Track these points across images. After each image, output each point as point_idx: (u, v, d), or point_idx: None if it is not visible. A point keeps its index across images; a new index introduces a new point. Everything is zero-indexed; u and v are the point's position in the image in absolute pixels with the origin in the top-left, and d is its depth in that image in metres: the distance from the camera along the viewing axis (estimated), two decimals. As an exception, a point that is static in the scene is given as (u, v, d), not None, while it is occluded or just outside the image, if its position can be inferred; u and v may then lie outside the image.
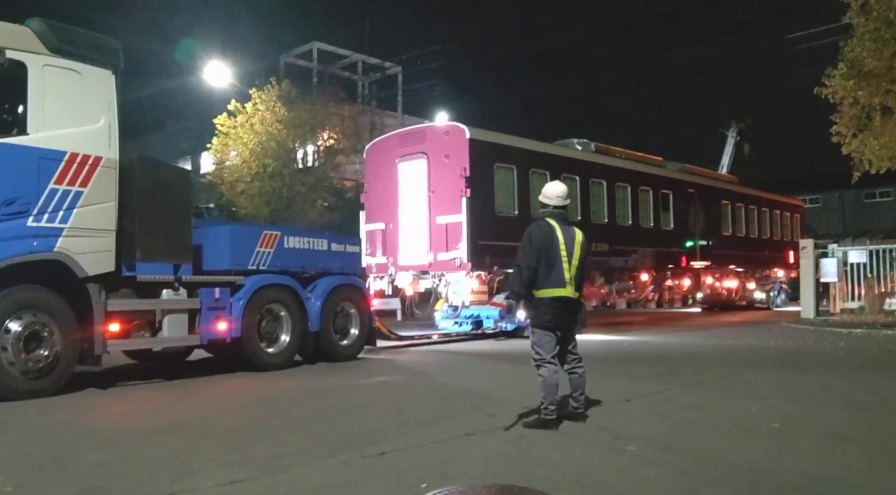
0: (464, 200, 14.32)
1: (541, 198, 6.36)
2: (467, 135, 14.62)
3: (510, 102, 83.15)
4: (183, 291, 9.33)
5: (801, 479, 4.49)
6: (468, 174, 14.38)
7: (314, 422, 6.53)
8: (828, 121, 18.59)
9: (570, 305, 6.04)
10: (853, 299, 19.31)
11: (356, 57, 41.34)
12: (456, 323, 16.31)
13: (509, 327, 15.85)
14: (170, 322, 9.15)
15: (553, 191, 6.31)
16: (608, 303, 20.37)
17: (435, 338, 15.32)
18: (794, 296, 27.57)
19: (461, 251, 14.36)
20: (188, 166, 49.83)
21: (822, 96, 17.91)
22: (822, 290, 20.03)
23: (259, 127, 27.32)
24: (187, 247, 9.47)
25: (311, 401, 7.80)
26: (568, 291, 5.98)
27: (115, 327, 8.54)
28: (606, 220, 18.02)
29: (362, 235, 16.47)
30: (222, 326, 9.63)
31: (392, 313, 16.15)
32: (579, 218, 17.18)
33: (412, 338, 14.82)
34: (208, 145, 29.32)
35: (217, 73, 27.45)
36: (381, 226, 16.01)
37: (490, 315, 15.98)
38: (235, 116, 27.69)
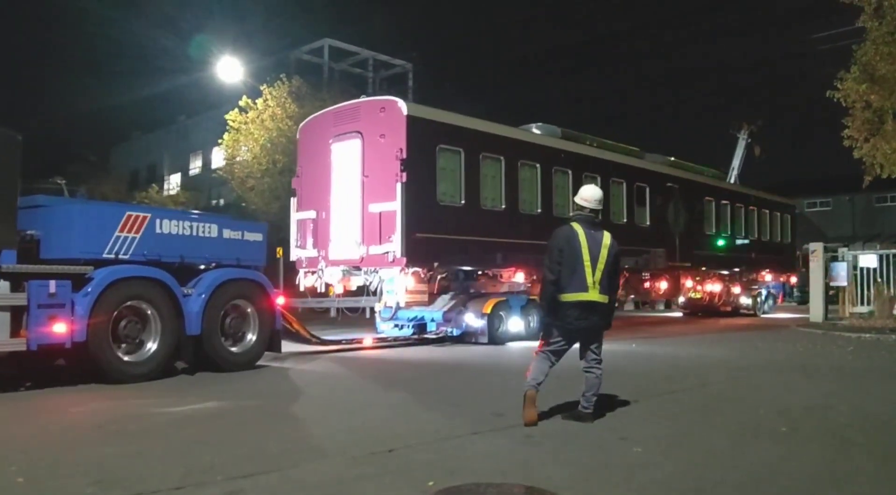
0: (399, 186, 12.43)
1: (577, 199, 6.44)
2: (405, 112, 12.72)
3: (532, 98, 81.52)
4: (4, 284, 7.51)
5: (808, 483, 4.47)
6: (405, 156, 12.49)
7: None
8: (839, 124, 18.56)
9: (594, 308, 6.10)
10: (863, 303, 19.35)
11: (367, 53, 42.22)
12: (396, 325, 14.53)
13: (455, 332, 14.06)
14: (-17, 322, 7.34)
15: (591, 194, 6.39)
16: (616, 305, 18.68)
17: (368, 342, 13.43)
18: (802, 300, 26.43)
19: (395, 244, 12.48)
20: (199, 162, 47.85)
21: (834, 99, 17.91)
22: (832, 294, 20.04)
23: (270, 123, 27.91)
24: (10, 230, 7.66)
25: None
26: (591, 295, 6.04)
27: None
28: (571, 215, 16.06)
29: (292, 224, 14.69)
30: (60, 328, 7.78)
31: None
32: (539, 211, 15.36)
33: (339, 342, 12.90)
34: (220, 141, 29.95)
35: (229, 69, 27.61)
36: (311, 214, 14.12)
37: (434, 317, 14.19)
38: (247, 112, 28.30)
